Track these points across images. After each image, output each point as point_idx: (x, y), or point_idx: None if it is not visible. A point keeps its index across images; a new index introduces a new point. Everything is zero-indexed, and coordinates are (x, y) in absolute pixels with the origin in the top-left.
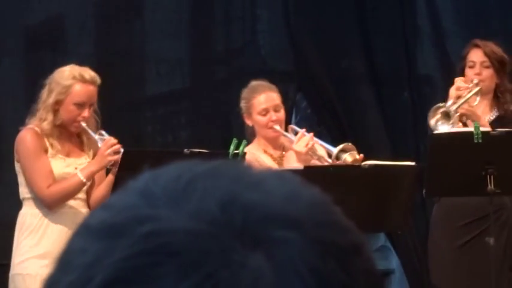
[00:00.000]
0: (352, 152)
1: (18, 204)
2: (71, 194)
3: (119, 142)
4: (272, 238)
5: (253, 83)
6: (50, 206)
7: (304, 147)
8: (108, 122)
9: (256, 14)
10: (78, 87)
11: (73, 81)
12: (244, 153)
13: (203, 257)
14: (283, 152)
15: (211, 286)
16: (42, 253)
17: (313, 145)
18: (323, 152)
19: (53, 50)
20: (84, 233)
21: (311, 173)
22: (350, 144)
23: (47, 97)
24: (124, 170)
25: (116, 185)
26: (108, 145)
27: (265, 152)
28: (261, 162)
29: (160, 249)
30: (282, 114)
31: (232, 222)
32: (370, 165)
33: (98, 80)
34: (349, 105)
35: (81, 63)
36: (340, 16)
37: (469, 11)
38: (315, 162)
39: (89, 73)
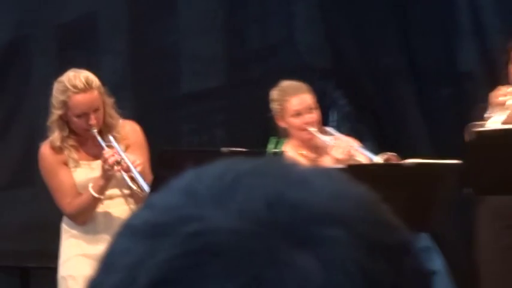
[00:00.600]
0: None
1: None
2: (89, 209)
3: (155, 141)
4: (319, 237)
5: (285, 84)
6: (75, 221)
7: (343, 154)
8: (142, 120)
9: (292, 10)
10: (74, 100)
11: (67, 94)
12: (283, 152)
13: (249, 257)
14: (318, 155)
15: (257, 287)
16: (87, 253)
17: (351, 152)
18: (362, 159)
19: (85, 48)
20: (127, 233)
21: (351, 172)
22: (393, 154)
23: (51, 112)
24: (162, 170)
25: (154, 185)
26: (104, 159)
27: (300, 154)
28: None
29: (205, 249)
30: (315, 115)
31: (278, 221)
32: (412, 164)
33: (94, 82)
34: (389, 102)
35: (114, 62)
36: (379, 11)
37: (510, 6)
38: None
39: (81, 80)
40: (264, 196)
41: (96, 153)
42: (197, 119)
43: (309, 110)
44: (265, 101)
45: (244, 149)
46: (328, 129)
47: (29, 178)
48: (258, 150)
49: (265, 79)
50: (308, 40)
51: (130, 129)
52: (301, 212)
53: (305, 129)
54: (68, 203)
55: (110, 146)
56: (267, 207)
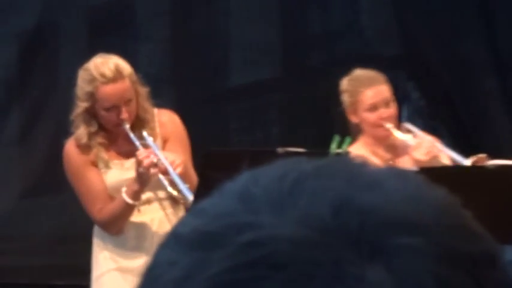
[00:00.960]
0: None
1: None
2: (123, 217)
3: (200, 140)
4: (393, 246)
5: (358, 73)
6: (107, 231)
7: (425, 155)
8: (185, 117)
9: None
10: (102, 91)
11: (94, 84)
12: (348, 153)
13: (313, 269)
14: (395, 155)
15: None
16: (123, 267)
17: (435, 152)
18: (447, 161)
19: (121, 34)
20: (173, 244)
21: (426, 175)
22: (484, 156)
23: (76, 105)
24: (209, 172)
25: (200, 189)
26: (138, 161)
27: (374, 153)
28: None
29: (263, 261)
30: (393, 109)
31: (346, 228)
32: (496, 166)
33: (125, 69)
34: (468, 97)
35: (153, 50)
36: None
37: None
38: None
39: (110, 68)
40: (331, 200)
41: (128, 151)
42: (248, 116)
43: (386, 103)
44: (328, 94)
45: (303, 149)
46: (407, 125)
47: (56, 183)
48: (319, 150)
49: (327, 69)
50: (376, 25)
51: (168, 119)
52: (372, 218)
53: (381, 126)
54: (98, 209)
55: (144, 145)
56: (334, 213)
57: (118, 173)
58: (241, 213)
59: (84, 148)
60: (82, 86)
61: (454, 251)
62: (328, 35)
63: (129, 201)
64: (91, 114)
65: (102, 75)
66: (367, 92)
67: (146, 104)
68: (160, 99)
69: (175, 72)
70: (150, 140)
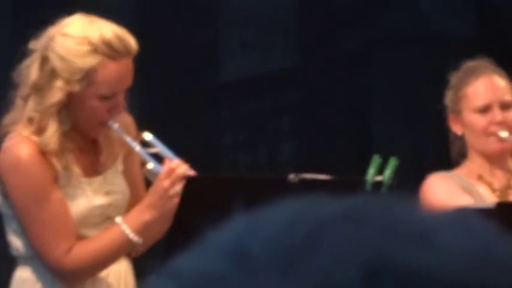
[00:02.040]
0: None
1: (11, 261)
2: (110, 259)
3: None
4: None
5: (470, 64)
6: (73, 281)
7: None
8: (154, 124)
9: None
10: (108, 70)
11: (96, 58)
12: (394, 181)
13: None
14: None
15: None
16: None
17: None
18: None
19: (61, 7)
20: None
21: (509, 213)
22: None
23: (46, 90)
24: (193, 210)
25: (175, 234)
26: (172, 177)
27: (480, 179)
28: (468, 196)
29: None
30: None
31: None
32: None
33: (134, 45)
34: None
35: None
36: None
37: None
38: None
39: (119, 35)
40: (361, 260)
41: (95, 163)
42: (250, 124)
43: (504, 104)
44: (365, 90)
45: (326, 177)
46: None
47: None
48: (349, 178)
49: (364, 56)
50: None
51: (131, 123)
52: (418, 284)
53: (494, 134)
54: (64, 250)
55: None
56: (365, 278)
57: (86, 198)
58: (234, 278)
59: (44, 156)
60: (69, 58)
61: None
62: (364, 7)
63: (134, 237)
64: (65, 107)
65: (109, 45)
66: (477, 84)
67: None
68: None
69: (142, 60)
70: (161, 148)
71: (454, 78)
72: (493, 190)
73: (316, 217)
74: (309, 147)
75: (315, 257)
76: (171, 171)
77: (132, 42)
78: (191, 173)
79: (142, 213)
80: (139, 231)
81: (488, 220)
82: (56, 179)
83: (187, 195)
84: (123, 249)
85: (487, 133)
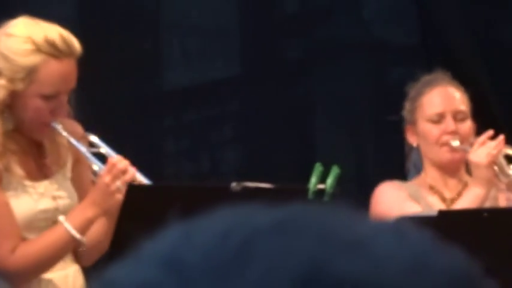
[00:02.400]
0: None
1: None
2: (54, 258)
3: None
4: None
5: (428, 76)
6: (18, 281)
7: (485, 157)
8: (103, 132)
9: None
10: (50, 69)
11: (39, 57)
12: (336, 190)
13: None
14: (464, 189)
15: None
16: None
17: (498, 154)
18: None
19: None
20: None
21: (452, 221)
22: None
23: None
24: (133, 219)
25: (118, 243)
26: (113, 172)
27: (432, 189)
28: (416, 204)
29: None
30: (466, 126)
31: None
32: None
33: (78, 47)
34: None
35: None
36: None
37: None
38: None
39: (62, 35)
40: (296, 268)
41: (41, 168)
42: (192, 133)
43: (458, 115)
44: (308, 100)
45: (269, 185)
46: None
47: None
48: (291, 186)
49: (307, 65)
50: (381, 2)
51: (76, 127)
52: None
53: (446, 143)
54: (9, 249)
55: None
56: (299, 286)
57: (31, 201)
58: (168, 287)
59: None
60: (11, 56)
61: None
62: (307, 15)
63: (76, 235)
64: (9, 107)
65: (52, 44)
66: (432, 93)
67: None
68: None
69: (84, 68)
70: (105, 149)
71: (412, 90)
72: (443, 200)
73: (251, 227)
74: (251, 156)
75: (250, 267)
76: (112, 166)
77: (75, 43)
78: (144, 180)
79: (85, 210)
80: (83, 229)
81: (431, 228)
82: None
83: (129, 204)
84: (67, 247)
85: (440, 142)
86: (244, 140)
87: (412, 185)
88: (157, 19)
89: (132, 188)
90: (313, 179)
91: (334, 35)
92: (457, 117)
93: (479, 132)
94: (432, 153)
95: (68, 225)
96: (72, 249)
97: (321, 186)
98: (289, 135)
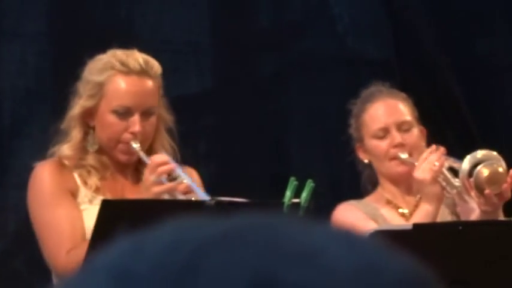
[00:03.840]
0: (490, 163)
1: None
2: None
3: None
4: None
5: (367, 91)
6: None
7: (428, 173)
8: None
9: None
10: (117, 83)
11: (108, 73)
12: (311, 204)
13: None
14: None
15: None
16: None
17: (440, 168)
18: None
19: None
20: None
21: (426, 234)
22: (493, 153)
23: (72, 107)
24: (110, 233)
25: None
26: (152, 167)
27: (389, 203)
28: (373, 222)
29: None
30: (413, 135)
31: None
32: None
33: (156, 69)
34: (488, 108)
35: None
36: None
37: None
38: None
39: (136, 58)
40: (242, 280)
41: (126, 191)
42: None
43: (402, 126)
44: (283, 114)
45: (243, 200)
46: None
47: None
48: (265, 201)
49: (282, 79)
50: (355, 15)
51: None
52: None
53: (394, 157)
54: (66, 250)
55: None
56: None
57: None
58: None
59: (64, 169)
60: (89, 77)
61: None
62: (282, 28)
63: None
64: (88, 122)
65: (123, 63)
66: (375, 107)
67: (165, 137)
68: (37, 121)
69: (54, 84)
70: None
71: (354, 107)
72: (401, 214)
73: (199, 239)
74: (226, 171)
75: (198, 279)
76: (152, 162)
77: (154, 68)
78: (172, 166)
79: None
80: None
81: (406, 241)
82: (73, 193)
83: (104, 219)
84: None
85: (389, 157)
86: (218, 154)
87: (368, 202)
88: (129, 34)
89: (109, 203)
90: (288, 193)
91: (308, 49)
92: (402, 128)
93: (454, 142)
94: (384, 168)
95: None
96: None
97: (296, 200)
98: (263, 149)
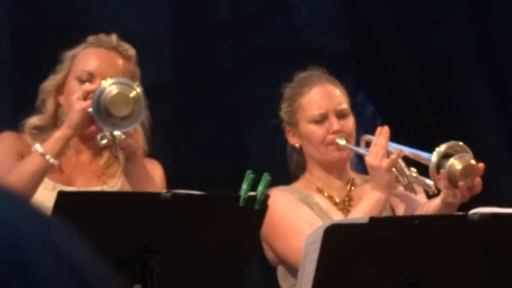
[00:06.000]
0: (462, 155)
1: None
2: (27, 185)
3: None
4: None
5: (303, 75)
6: None
7: (383, 159)
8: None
9: None
10: (85, 52)
11: (82, 46)
12: (267, 197)
13: None
14: (352, 188)
15: None
16: None
17: (398, 155)
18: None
19: None
20: None
21: (382, 227)
22: (459, 143)
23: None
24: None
25: None
26: (83, 89)
27: (320, 191)
28: (315, 211)
29: None
30: (350, 123)
31: None
32: (484, 216)
33: (129, 50)
34: (445, 101)
35: None
36: None
37: None
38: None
39: (110, 37)
40: None
41: (88, 174)
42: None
43: (340, 112)
44: (240, 106)
45: (199, 192)
46: (369, 138)
47: None
48: (222, 193)
49: (239, 71)
50: (313, 7)
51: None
52: None
53: (332, 143)
54: None
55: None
56: None
57: (48, 195)
58: None
59: (20, 137)
60: (65, 56)
61: None
62: (240, 21)
63: (47, 156)
64: (59, 102)
65: (96, 38)
66: (312, 93)
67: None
68: None
69: (13, 74)
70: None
71: (287, 90)
72: (335, 203)
73: None
74: (182, 163)
75: None
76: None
77: (125, 45)
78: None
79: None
80: (56, 150)
81: (362, 235)
82: (23, 155)
83: (59, 211)
84: (40, 170)
85: (325, 143)
86: (175, 147)
87: (298, 188)
88: (88, 26)
89: (65, 195)
90: (244, 186)
91: (267, 42)
92: (340, 114)
93: (411, 137)
94: (318, 153)
95: (38, 147)
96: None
97: (252, 193)
98: (221, 142)
